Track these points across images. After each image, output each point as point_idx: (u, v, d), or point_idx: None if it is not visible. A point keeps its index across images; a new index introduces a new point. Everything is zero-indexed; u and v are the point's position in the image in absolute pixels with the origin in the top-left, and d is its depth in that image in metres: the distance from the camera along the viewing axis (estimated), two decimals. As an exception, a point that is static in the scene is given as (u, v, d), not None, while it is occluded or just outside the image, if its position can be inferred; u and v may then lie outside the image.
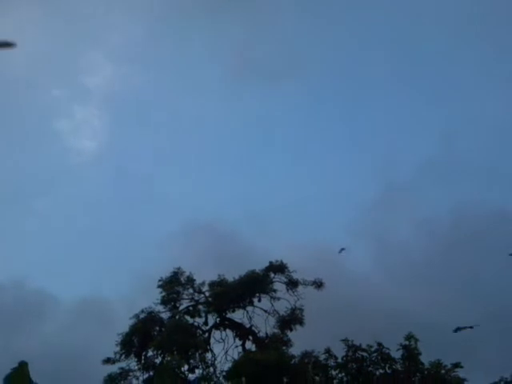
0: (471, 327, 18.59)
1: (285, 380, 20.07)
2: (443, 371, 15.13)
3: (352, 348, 15.71)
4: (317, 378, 20.02)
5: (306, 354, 21.47)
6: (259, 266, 24.23)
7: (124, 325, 23.00)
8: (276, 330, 23.54)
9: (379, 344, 15.75)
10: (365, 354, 15.63)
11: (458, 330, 15.05)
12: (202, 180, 45.22)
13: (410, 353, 15.47)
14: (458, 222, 35.13)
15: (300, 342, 22.62)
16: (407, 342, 15.69)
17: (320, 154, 45.44)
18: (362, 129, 46.10)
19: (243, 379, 4.45)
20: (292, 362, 21.07)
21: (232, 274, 24.20)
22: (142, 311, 23.03)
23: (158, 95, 45.16)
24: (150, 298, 23.87)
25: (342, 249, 24.14)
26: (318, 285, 23.91)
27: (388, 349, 15.76)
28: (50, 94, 48.72)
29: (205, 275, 24.63)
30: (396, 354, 15.82)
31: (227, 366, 21.88)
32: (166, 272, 24.38)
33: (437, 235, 34.20)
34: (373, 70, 43.55)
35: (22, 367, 3.38)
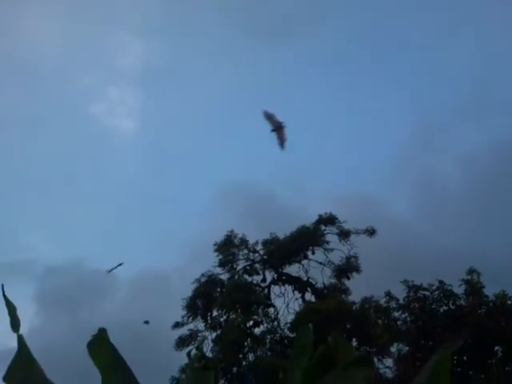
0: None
1: (348, 326, 20.59)
2: (509, 302, 15.08)
3: (413, 288, 15.82)
4: (379, 321, 20.37)
5: (366, 300, 21.87)
6: (301, 221, 24.53)
7: (182, 292, 24.07)
8: (333, 280, 23.98)
9: (440, 281, 15.77)
10: (426, 292, 15.71)
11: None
12: (233, 142, 45.20)
13: (473, 287, 15.44)
14: (499, 158, 33.95)
15: (359, 289, 22.97)
16: (469, 277, 15.65)
17: (352, 101, 44.25)
18: (396, 73, 44.37)
19: (310, 325, 4.64)
20: (353, 308, 21.52)
21: (278, 232, 24.66)
22: (203, 275, 23.92)
23: (188, 65, 44.90)
24: (202, 264, 24.75)
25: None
26: (371, 232, 23.97)
27: (450, 285, 15.77)
28: (81, 81, 49.52)
29: (252, 236, 25.22)
30: (459, 289, 15.82)
31: (290, 318, 22.66)
32: (213, 237, 25.06)
33: (478, 173, 33.18)
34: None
35: (102, 334, 3.65)
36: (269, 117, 12.08)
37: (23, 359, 3.93)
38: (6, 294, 3.87)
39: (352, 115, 42.63)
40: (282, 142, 11.80)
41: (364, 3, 42.53)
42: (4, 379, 3.87)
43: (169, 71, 45.53)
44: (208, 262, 24.51)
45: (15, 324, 3.91)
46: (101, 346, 4.22)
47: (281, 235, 24.54)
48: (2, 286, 3.87)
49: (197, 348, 21.69)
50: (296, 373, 4.37)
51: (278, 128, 11.76)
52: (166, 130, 45.34)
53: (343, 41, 43.99)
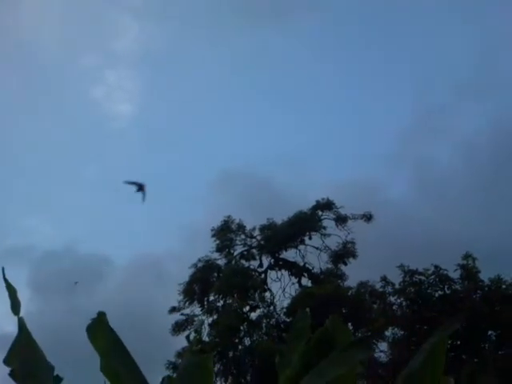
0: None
1: (344, 311, 20.76)
2: (504, 286, 15.24)
3: (408, 273, 15.94)
4: (374, 305, 20.57)
5: (362, 284, 22.05)
6: (299, 207, 24.60)
7: (178, 277, 24.19)
8: (330, 265, 24.12)
9: (436, 266, 15.89)
10: (422, 277, 15.84)
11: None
12: (232, 127, 45.14)
13: (469, 272, 15.58)
14: (499, 142, 33.97)
15: (355, 274, 23.15)
16: (465, 262, 15.78)
17: (351, 86, 44.07)
18: (393, 56, 44.13)
19: (307, 309, 4.67)
20: (349, 293, 21.70)
21: (275, 218, 24.74)
22: (200, 260, 24.02)
23: (186, 49, 44.57)
24: (198, 249, 24.85)
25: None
26: (368, 218, 24.08)
27: (446, 270, 15.91)
28: (80, 63, 49.05)
29: (249, 221, 25.30)
30: (454, 274, 15.96)
31: (286, 302, 22.83)
32: (210, 222, 25.13)
33: (478, 156, 33.24)
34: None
35: (101, 317, 3.65)
36: (131, 182, 14.98)
37: (23, 342, 3.95)
38: (6, 277, 3.89)
39: (351, 100, 42.59)
40: (144, 196, 14.83)
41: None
42: (5, 361, 3.89)
43: (167, 55, 45.33)
44: (204, 247, 24.63)
45: (16, 307, 3.93)
46: (100, 330, 4.24)
47: (278, 220, 24.63)
48: (3, 268, 3.88)
49: (195, 331, 21.87)
50: (293, 356, 4.42)
51: (140, 187, 14.76)
52: (164, 114, 45.24)
53: (342, 21, 43.56)
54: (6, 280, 3.88)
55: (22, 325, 3.94)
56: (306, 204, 24.87)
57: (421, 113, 38.90)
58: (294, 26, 41.72)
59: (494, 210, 29.51)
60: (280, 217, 24.63)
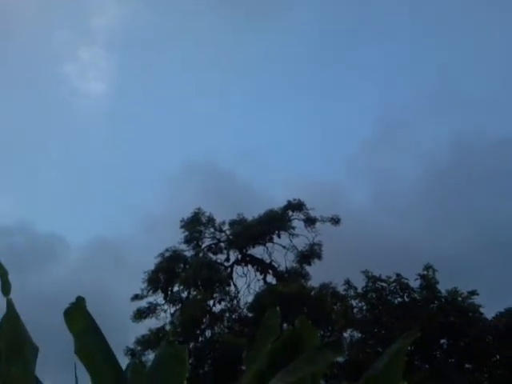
0: None
1: (305, 310, 21.26)
2: (460, 298, 15.97)
3: (371, 279, 16.52)
4: (335, 307, 21.17)
5: (325, 286, 22.62)
6: (261, 202, 25.05)
7: (134, 262, 24.27)
8: (295, 265, 24.59)
9: (398, 275, 16.53)
10: (384, 284, 16.45)
11: None
12: (200, 118, 45.18)
13: (428, 282, 16.26)
14: (459, 155, 35.29)
15: (319, 276, 23.68)
16: (425, 272, 16.46)
17: (315, 91, 44.66)
18: (356, 68, 44.92)
19: (278, 308, 4.83)
20: (312, 293, 22.22)
21: (239, 211, 25.13)
22: (167, 250, 24.08)
23: (163, 33, 44.09)
24: (158, 238, 24.91)
25: None
26: (336, 221, 24.63)
27: (406, 279, 16.56)
28: (54, 37, 47.90)
29: (213, 213, 25.50)
30: (414, 283, 16.63)
31: (250, 298, 23.18)
32: (171, 211, 25.33)
33: (438, 169, 34.35)
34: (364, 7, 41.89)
35: (80, 302, 3.73)
36: None
37: (11, 322, 4.09)
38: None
39: (315, 103, 43.23)
40: None
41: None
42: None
43: (144, 36, 44.71)
44: (164, 237, 24.76)
45: (6, 288, 4.06)
46: (77, 314, 4.40)
47: (245, 214, 24.96)
48: (-4, 250, 4.00)
49: (171, 323, 21.95)
50: (260, 353, 4.67)
51: None
52: (136, 96, 44.73)
53: (313, 22, 44.02)
54: (-2, 262, 4.01)
55: (10, 306, 4.07)
56: (268, 199, 25.40)
57: (383, 123, 39.90)
58: (266, 22, 41.93)
59: (451, 221, 30.63)
60: (242, 210, 25.07)
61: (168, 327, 21.68)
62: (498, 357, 15.70)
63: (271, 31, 42.38)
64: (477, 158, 33.98)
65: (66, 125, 44.05)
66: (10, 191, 39.97)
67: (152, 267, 23.66)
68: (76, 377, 4.53)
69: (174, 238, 24.59)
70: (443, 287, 16.24)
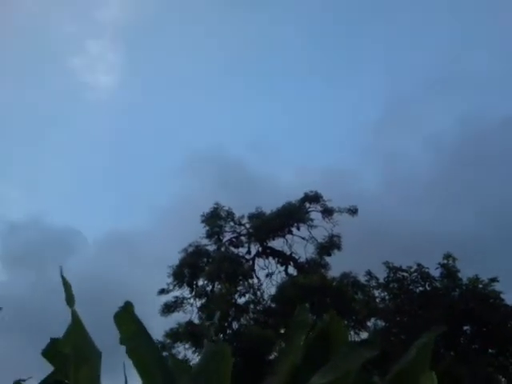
0: None
1: (328, 301, 21.67)
2: (480, 286, 16.23)
3: (393, 269, 16.84)
4: (355, 296, 21.55)
5: (345, 275, 23.00)
6: (272, 192, 25.36)
7: (149, 255, 24.77)
8: (315, 256, 24.98)
9: (418, 264, 16.83)
10: (405, 274, 16.77)
11: None
12: (208, 108, 45.38)
13: (449, 271, 16.54)
14: (467, 134, 34.96)
15: (337, 265, 24.04)
16: (446, 261, 16.73)
17: (320, 75, 44.45)
18: (364, 48, 44.55)
19: (307, 305, 5.10)
20: (333, 283, 22.61)
21: (251, 202, 25.55)
22: (190, 245, 24.67)
23: (169, 25, 44.28)
24: (171, 229, 25.25)
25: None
26: (353, 211, 24.93)
27: (427, 268, 16.85)
28: (62, 31, 48.39)
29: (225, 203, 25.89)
30: (435, 272, 16.92)
31: (273, 290, 23.70)
32: (183, 203, 25.78)
33: (447, 150, 34.05)
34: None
35: (128, 307, 4.03)
36: None
37: (76, 330, 4.58)
38: (63, 275, 4.50)
39: (325, 89, 43.03)
40: None
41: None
42: (59, 347, 4.53)
43: (151, 29, 44.89)
44: (177, 228, 25.21)
45: (70, 300, 4.55)
46: (127, 318, 4.88)
47: (259, 204, 25.46)
48: (61, 268, 4.49)
49: (212, 324, 22.53)
50: (294, 347, 5.07)
51: None
52: (144, 89, 45.06)
53: (318, 12, 43.88)
54: (63, 277, 4.49)
55: (74, 316, 4.56)
56: (279, 189, 25.63)
57: (392, 106, 39.63)
58: (273, 6, 41.85)
59: (465, 205, 30.47)
60: (255, 200, 25.55)
61: (196, 321, 22.30)
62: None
63: (277, 16, 42.26)
64: (489, 138, 33.62)
65: (76, 118, 44.66)
66: (20, 186, 40.70)
67: (169, 261, 24.39)
68: (125, 376, 5.01)
69: (188, 230, 25.18)
70: (463, 274, 16.52)
